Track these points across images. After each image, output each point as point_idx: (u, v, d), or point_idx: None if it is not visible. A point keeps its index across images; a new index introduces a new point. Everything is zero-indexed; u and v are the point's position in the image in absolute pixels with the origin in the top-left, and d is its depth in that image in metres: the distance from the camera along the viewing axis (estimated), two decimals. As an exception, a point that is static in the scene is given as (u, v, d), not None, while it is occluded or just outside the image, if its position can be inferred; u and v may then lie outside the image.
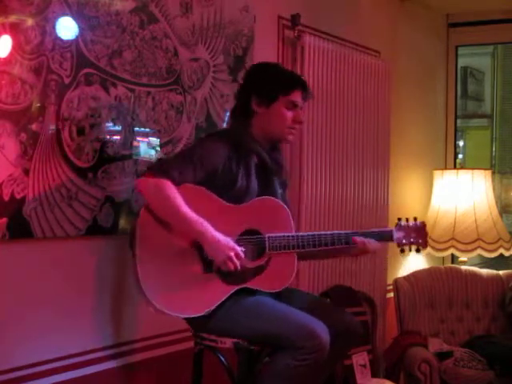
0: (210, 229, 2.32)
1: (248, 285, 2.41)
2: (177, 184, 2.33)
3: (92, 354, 2.63)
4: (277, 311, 2.37)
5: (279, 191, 2.59)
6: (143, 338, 2.82)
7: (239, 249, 2.35)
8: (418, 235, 2.60)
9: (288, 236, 2.45)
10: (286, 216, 2.51)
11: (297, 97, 2.52)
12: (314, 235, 2.48)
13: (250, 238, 2.43)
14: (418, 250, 2.64)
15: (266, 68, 2.61)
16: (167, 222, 2.33)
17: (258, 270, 2.44)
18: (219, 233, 2.33)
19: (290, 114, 2.52)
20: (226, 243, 2.32)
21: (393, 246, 4.30)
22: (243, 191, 2.45)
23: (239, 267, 2.33)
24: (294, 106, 2.52)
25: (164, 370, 2.92)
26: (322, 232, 2.52)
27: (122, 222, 2.67)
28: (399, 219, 2.62)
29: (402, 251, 2.64)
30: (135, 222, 2.34)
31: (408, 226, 2.60)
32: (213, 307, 2.36)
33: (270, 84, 2.52)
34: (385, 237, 2.60)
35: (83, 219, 2.53)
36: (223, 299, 2.37)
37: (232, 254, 2.31)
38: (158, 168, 2.35)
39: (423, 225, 2.63)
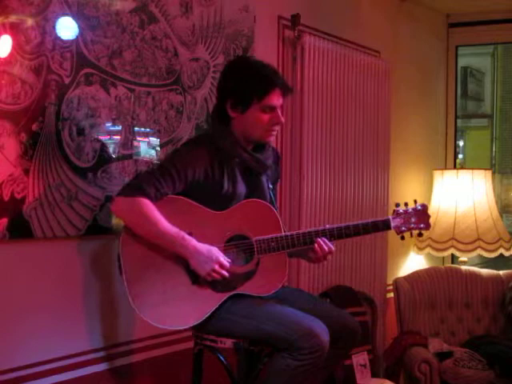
0: (192, 242, 2.31)
1: (239, 291, 2.39)
2: (154, 200, 2.30)
3: (92, 354, 2.63)
4: (276, 311, 2.37)
5: (268, 189, 2.54)
6: (143, 337, 2.82)
7: (223, 258, 2.33)
8: (418, 219, 2.49)
9: (276, 237, 2.41)
10: (273, 216, 2.46)
11: (272, 99, 2.39)
12: (304, 233, 2.45)
13: (237, 243, 2.41)
14: (420, 235, 2.52)
15: (239, 70, 2.46)
16: (148, 240, 2.32)
17: (249, 275, 2.41)
18: (202, 243, 2.32)
19: (266, 117, 2.41)
20: (208, 255, 2.31)
21: (392, 246, 4.35)
22: (230, 196, 2.42)
23: (227, 275, 2.32)
24: (270, 109, 2.41)
25: (164, 370, 2.92)
26: (313, 229, 2.48)
27: (123, 222, 2.66)
28: (397, 205, 2.50)
29: (403, 238, 2.53)
30: (118, 244, 2.34)
31: (407, 212, 2.49)
32: (205, 316, 2.34)
33: (242, 90, 2.39)
34: (381, 226, 2.48)
35: (83, 219, 2.53)
36: (216, 307, 2.36)
37: (216, 265, 2.30)
38: (133, 186, 2.31)
39: (424, 208, 2.51)
